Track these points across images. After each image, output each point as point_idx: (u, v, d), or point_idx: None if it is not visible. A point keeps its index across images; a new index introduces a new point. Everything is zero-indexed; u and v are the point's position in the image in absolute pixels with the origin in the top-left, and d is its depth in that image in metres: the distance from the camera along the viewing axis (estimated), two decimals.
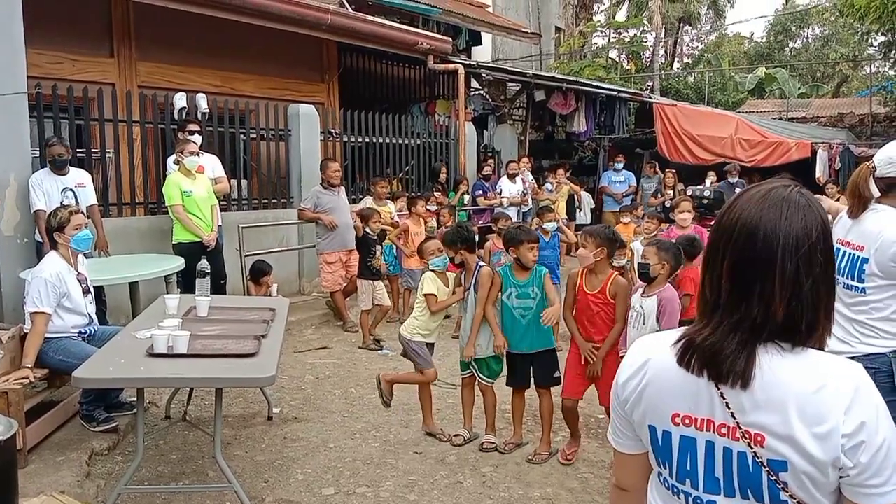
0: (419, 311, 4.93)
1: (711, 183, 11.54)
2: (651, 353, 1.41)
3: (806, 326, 1.27)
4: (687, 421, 1.33)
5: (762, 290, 1.26)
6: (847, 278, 2.97)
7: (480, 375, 4.73)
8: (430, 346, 4.98)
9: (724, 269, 1.31)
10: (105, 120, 7.33)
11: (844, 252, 2.99)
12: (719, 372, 1.28)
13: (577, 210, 11.98)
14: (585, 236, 4.43)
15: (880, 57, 18.98)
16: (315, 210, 7.74)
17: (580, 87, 13.71)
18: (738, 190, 9.19)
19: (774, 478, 1.25)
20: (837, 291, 3.00)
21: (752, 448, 1.26)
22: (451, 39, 11.54)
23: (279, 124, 9.02)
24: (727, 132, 13.43)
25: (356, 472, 4.33)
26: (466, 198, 10.72)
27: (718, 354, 1.28)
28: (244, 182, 8.88)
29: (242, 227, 7.70)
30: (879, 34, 16.26)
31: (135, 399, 4.14)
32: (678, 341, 1.35)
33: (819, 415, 1.21)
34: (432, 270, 4.95)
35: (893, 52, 16.38)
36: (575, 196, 11.87)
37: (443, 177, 10.76)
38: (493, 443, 4.67)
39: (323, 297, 8.35)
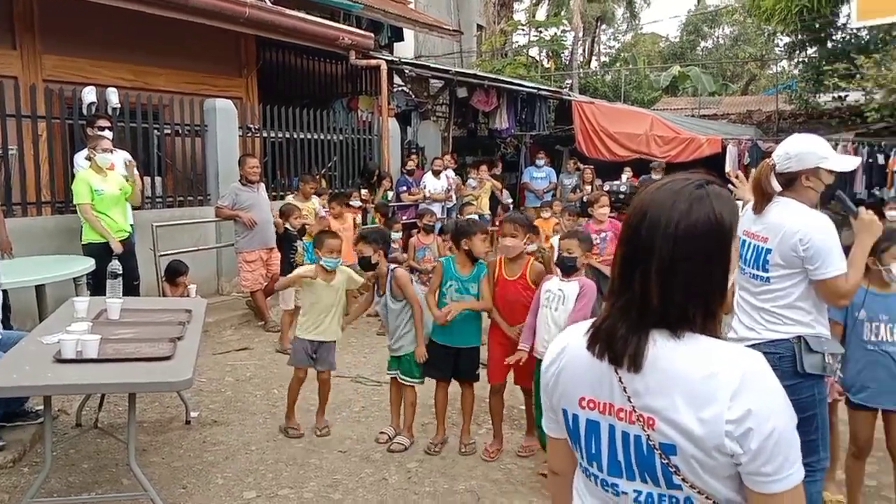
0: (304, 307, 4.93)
1: (627, 178, 11.87)
2: (569, 340, 1.46)
3: (682, 313, 1.30)
4: (591, 404, 1.38)
5: (641, 275, 1.31)
6: (753, 268, 3.09)
7: (403, 377, 4.73)
8: (330, 343, 4.93)
9: (618, 255, 1.37)
10: (7, 115, 6.95)
11: (750, 243, 3.11)
12: (614, 355, 1.33)
13: (500, 206, 12.12)
14: (515, 226, 4.46)
15: (785, 57, 19.88)
16: (233, 207, 7.56)
17: (502, 85, 13.86)
18: None
19: (666, 461, 1.29)
20: (744, 281, 3.14)
21: (645, 431, 1.30)
22: (373, 35, 11.45)
23: (195, 119, 8.76)
24: (642, 129, 13.83)
25: (279, 474, 4.26)
26: (390, 194, 10.68)
27: (612, 338, 1.33)
28: (158, 179, 8.58)
29: (157, 226, 7.45)
30: (784, 35, 17.03)
31: (42, 407, 3.95)
32: (588, 329, 1.40)
33: (704, 400, 1.24)
34: (320, 265, 4.91)
35: (797, 52, 17.18)
36: (496, 192, 11.99)
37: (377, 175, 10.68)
38: (404, 445, 4.66)
39: (243, 297, 8.16)
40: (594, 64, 31.68)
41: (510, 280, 4.48)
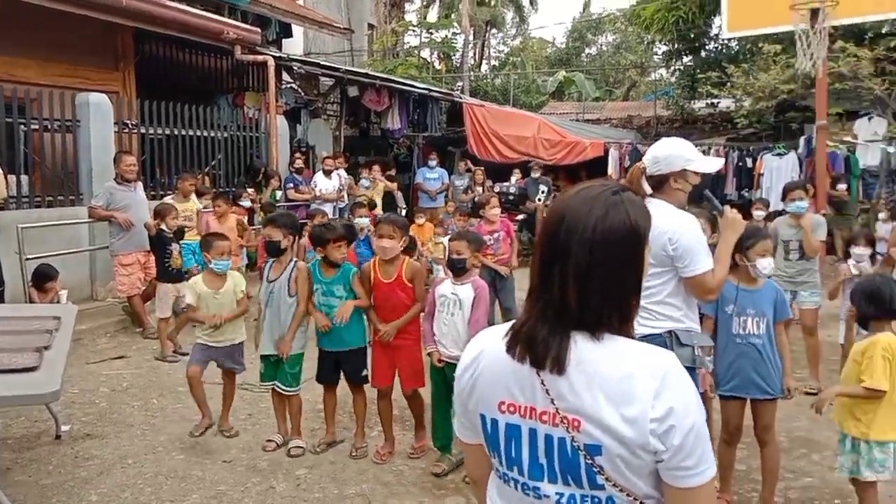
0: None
1: (516, 180, 12.10)
2: (486, 344, 1.45)
3: (598, 316, 1.33)
4: (512, 408, 1.37)
5: (559, 277, 1.32)
6: None
7: (282, 388, 4.61)
8: (235, 346, 4.80)
9: (537, 258, 1.38)
10: None
11: None
12: (536, 357, 1.32)
13: (397, 207, 12.07)
14: (393, 227, 4.40)
15: (663, 65, 20.91)
16: (108, 208, 7.15)
17: (394, 85, 13.81)
18: (541, 186, 9.65)
19: (591, 461, 1.29)
20: None
21: (570, 433, 1.30)
22: (259, 30, 11.13)
23: (66, 114, 8.22)
24: (530, 132, 14.14)
25: (158, 488, 4.05)
26: (279, 194, 10.42)
27: (534, 340, 1.33)
28: (25, 178, 7.99)
29: (22, 228, 6.93)
30: (662, 44, 17.94)
31: None
32: (507, 332, 1.39)
33: (628, 400, 1.27)
34: (212, 271, 4.76)
35: (674, 60, 18.10)
36: (393, 193, 11.95)
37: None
38: (301, 447, 4.57)
39: (119, 303, 7.72)
40: (484, 67, 32.21)
41: (386, 283, 4.43)
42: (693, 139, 14.90)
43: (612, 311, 1.34)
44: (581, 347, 1.31)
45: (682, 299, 3.10)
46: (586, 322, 1.32)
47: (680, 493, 1.29)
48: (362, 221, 7.10)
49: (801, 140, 12.15)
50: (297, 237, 4.70)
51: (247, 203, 8.97)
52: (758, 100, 13.04)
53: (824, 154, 10.24)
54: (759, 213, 7.90)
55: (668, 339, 3.05)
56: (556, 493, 1.35)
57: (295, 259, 4.69)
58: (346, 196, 10.96)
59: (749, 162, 12.76)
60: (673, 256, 3.02)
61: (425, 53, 27.72)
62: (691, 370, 3.09)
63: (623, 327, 1.35)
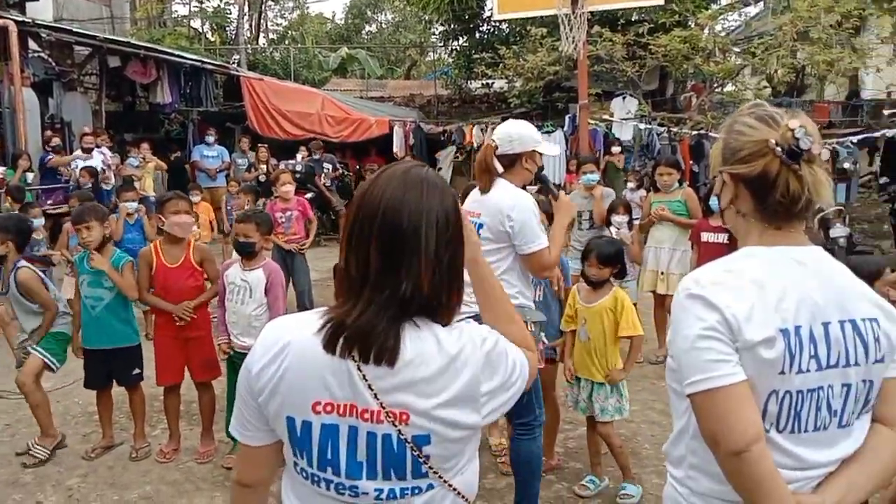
0: None
1: (303, 158, 11.85)
2: (290, 339, 1.32)
3: (446, 300, 1.32)
4: (329, 408, 1.29)
5: (410, 265, 1.28)
6: None
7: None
8: None
9: (371, 248, 1.29)
10: None
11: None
12: (369, 351, 1.26)
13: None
14: (185, 202, 4.23)
15: (441, 45, 21.46)
16: None
17: (161, 56, 12.84)
18: (325, 165, 9.49)
19: (418, 452, 1.27)
20: None
21: (396, 427, 1.26)
22: None
23: None
24: (314, 108, 13.89)
25: None
26: (31, 175, 9.28)
27: (370, 333, 1.26)
28: None
29: None
30: (439, 24, 18.35)
31: None
32: (325, 325, 1.29)
33: (459, 385, 1.28)
34: None
35: (451, 41, 18.63)
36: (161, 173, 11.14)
37: None
38: (39, 455, 4.17)
39: None
40: (262, 40, 31.04)
41: (172, 267, 4.14)
42: (472, 118, 15.60)
43: (455, 294, 1.35)
44: (413, 337, 1.29)
45: (517, 276, 3.18)
46: (431, 309, 1.31)
47: None
48: (130, 206, 6.52)
49: (567, 118, 13.13)
50: (20, 241, 4.24)
51: None
52: (528, 80, 13.81)
53: (586, 131, 11.14)
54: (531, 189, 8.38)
55: None
56: (375, 490, 1.31)
57: (21, 264, 4.18)
58: (112, 176, 10.03)
59: None
60: (510, 233, 3.09)
61: (196, 24, 26.09)
62: None
63: (456, 309, 1.36)
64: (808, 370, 1.39)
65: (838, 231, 9.79)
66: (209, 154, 12.19)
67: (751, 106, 1.51)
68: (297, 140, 13.06)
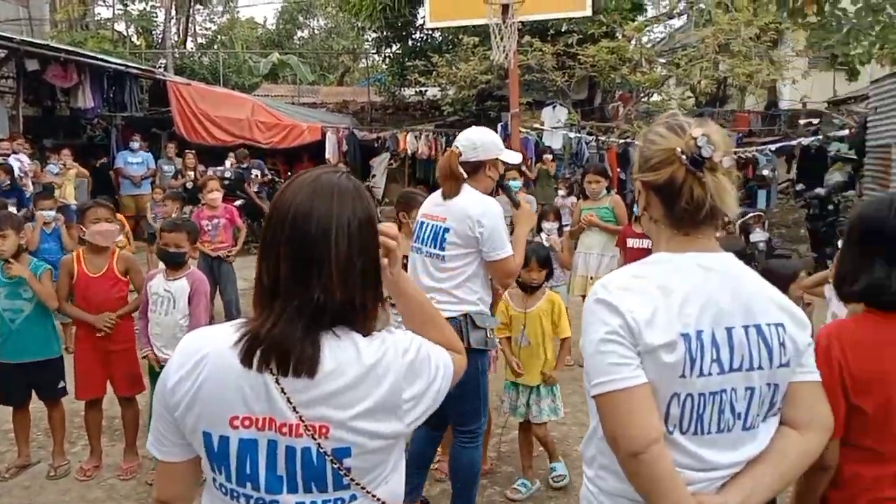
0: None
1: (231, 164, 11.63)
2: (207, 351, 1.29)
3: (362, 308, 1.30)
4: (247, 422, 1.26)
5: (320, 273, 1.25)
6: (430, 247, 3.21)
7: None
8: None
9: (280, 256, 1.27)
10: None
11: (428, 224, 3.24)
12: (287, 363, 1.23)
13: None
14: (108, 210, 4.09)
15: (374, 51, 21.40)
16: None
17: (82, 59, 12.39)
18: (254, 172, 9.36)
19: (338, 465, 1.25)
20: (420, 263, 3.23)
21: (316, 440, 1.24)
22: None
23: None
24: (244, 114, 13.65)
25: None
26: None
27: (285, 344, 1.23)
28: None
29: None
30: (372, 31, 18.31)
31: None
32: (241, 339, 1.26)
33: (380, 394, 1.26)
34: None
35: (384, 48, 18.60)
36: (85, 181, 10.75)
37: None
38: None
39: None
40: (190, 45, 30.34)
41: (94, 277, 4.00)
42: (406, 125, 15.61)
43: (371, 302, 1.33)
44: (332, 346, 1.27)
45: (480, 283, 3.19)
46: (347, 318, 1.29)
47: None
48: (47, 215, 6.26)
49: (499, 126, 13.29)
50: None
51: None
52: (460, 88, 13.94)
53: (518, 139, 11.29)
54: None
55: (463, 323, 3.11)
56: (296, 503, 1.29)
57: None
58: (30, 184, 9.62)
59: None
60: (479, 239, 3.09)
61: (121, 27, 25.35)
62: (484, 352, 3.22)
63: (374, 316, 1.34)
64: (709, 373, 1.41)
65: (758, 236, 10.23)
66: (134, 161, 11.82)
67: (666, 116, 1.55)
68: (227, 146, 12.82)
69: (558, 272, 5.71)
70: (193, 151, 11.98)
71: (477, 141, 3.21)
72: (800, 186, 12.47)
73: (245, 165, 11.63)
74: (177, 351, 1.33)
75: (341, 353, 1.28)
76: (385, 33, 17.23)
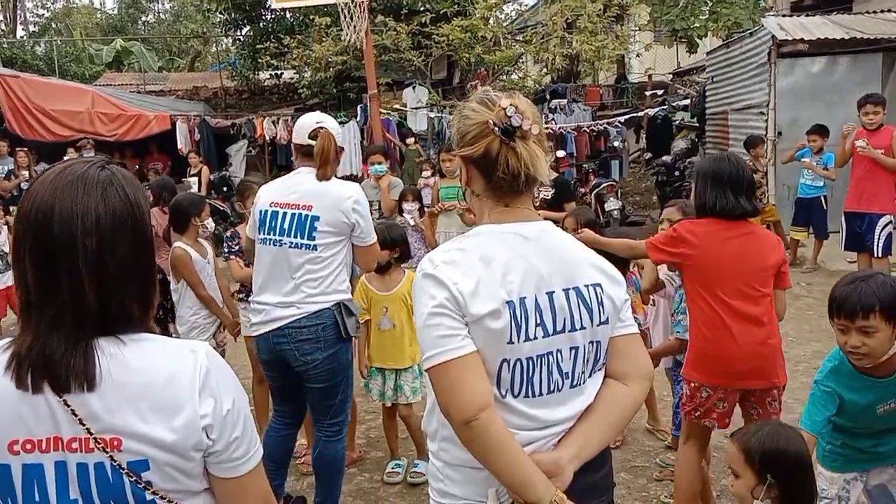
0: None
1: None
2: None
3: (129, 312, 1.19)
4: (29, 446, 1.14)
5: (69, 276, 1.13)
6: (296, 237, 3.06)
7: None
8: None
9: (27, 262, 1.14)
10: None
11: (286, 213, 3.08)
12: (58, 379, 1.11)
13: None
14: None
15: (224, 35, 20.52)
16: None
17: None
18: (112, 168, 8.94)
19: (136, 479, 1.16)
20: (281, 255, 3.06)
21: (108, 454, 1.14)
22: None
23: None
24: (84, 106, 12.71)
25: None
26: None
27: (51, 359, 1.11)
28: None
29: None
30: (219, 13, 17.48)
31: None
32: (9, 361, 1.13)
33: (172, 403, 1.16)
34: None
35: (234, 30, 17.85)
36: None
37: None
38: None
39: None
40: (21, 32, 27.94)
41: None
42: (262, 110, 15.07)
43: (136, 303, 1.21)
44: (109, 355, 1.15)
45: (347, 270, 3.16)
46: (111, 323, 1.17)
47: (234, 483, 1.25)
48: None
49: (359, 108, 13.12)
50: None
51: None
52: (317, 70, 13.60)
53: (378, 121, 11.19)
54: None
55: (336, 312, 3.06)
56: None
57: None
58: None
59: None
60: (356, 226, 3.05)
61: None
62: (350, 340, 3.21)
63: (146, 320, 1.24)
64: (535, 337, 1.48)
65: (612, 204, 10.70)
66: None
67: (479, 92, 1.60)
68: (66, 141, 11.92)
69: (423, 252, 5.71)
70: (26, 149, 11.08)
71: (304, 124, 3.21)
72: (648, 155, 13.16)
73: (87, 154, 10.84)
74: None
75: (125, 361, 1.17)
76: (234, 15, 16.53)
